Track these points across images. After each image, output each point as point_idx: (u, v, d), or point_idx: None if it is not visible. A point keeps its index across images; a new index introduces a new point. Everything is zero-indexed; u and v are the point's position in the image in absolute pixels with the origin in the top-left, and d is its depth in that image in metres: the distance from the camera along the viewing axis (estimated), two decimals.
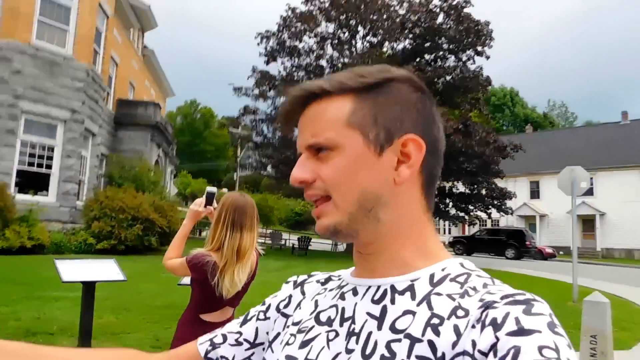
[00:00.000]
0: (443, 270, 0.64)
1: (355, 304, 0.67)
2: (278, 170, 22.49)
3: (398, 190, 0.64)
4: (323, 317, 0.70)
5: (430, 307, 0.60)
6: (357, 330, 0.64)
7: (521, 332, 0.49)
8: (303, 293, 0.78)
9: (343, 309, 0.68)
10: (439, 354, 0.55)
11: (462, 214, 22.60)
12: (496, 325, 0.51)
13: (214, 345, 0.78)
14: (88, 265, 5.32)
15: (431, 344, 0.56)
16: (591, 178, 31.64)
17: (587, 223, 31.53)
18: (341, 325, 0.66)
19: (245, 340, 0.78)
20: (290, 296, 0.79)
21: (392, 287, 0.64)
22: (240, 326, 0.79)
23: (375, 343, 0.61)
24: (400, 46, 20.89)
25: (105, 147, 18.37)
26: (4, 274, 8.84)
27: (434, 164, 0.67)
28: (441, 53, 21.37)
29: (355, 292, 0.68)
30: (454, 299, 0.59)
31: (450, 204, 22.27)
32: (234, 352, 0.78)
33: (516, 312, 0.52)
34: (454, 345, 0.55)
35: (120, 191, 14.07)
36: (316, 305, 0.73)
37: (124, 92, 22.17)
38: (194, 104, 69.55)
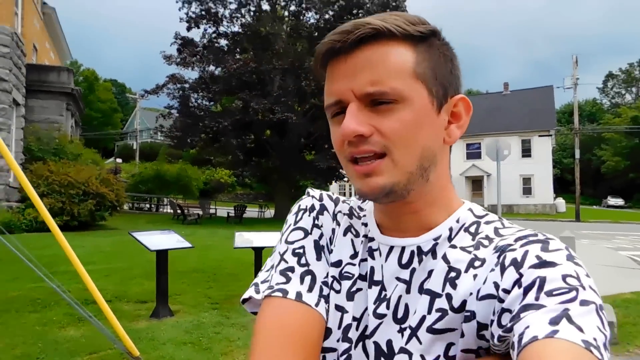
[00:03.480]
0: (457, 222, 0.64)
1: (382, 266, 0.65)
2: (199, 140, 22.39)
3: (443, 150, 0.63)
4: (362, 271, 0.67)
5: (446, 261, 0.60)
6: (388, 296, 0.63)
7: (544, 264, 0.51)
8: (338, 224, 0.72)
9: (372, 269, 0.66)
10: (455, 304, 0.57)
11: None
12: (517, 264, 0.53)
13: None
14: (157, 237, 5.81)
15: (448, 297, 0.58)
16: (480, 143, 36.05)
17: (476, 183, 35.91)
18: (370, 287, 0.65)
19: None
20: (333, 231, 0.72)
21: (419, 249, 0.63)
22: None
23: (406, 306, 0.61)
24: (326, 16, 21.61)
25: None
26: None
27: None
28: None
29: (380, 253, 0.66)
30: (469, 252, 0.60)
31: None
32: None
33: (535, 250, 0.53)
34: (472, 292, 0.56)
35: (65, 165, 13.42)
36: (354, 250, 0.69)
37: (27, 56, 20.13)
38: (75, 64, 63.36)
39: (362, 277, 0.67)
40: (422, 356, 0.57)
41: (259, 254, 6.40)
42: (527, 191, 35.83)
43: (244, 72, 19.19)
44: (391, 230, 0.66)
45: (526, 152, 35.50)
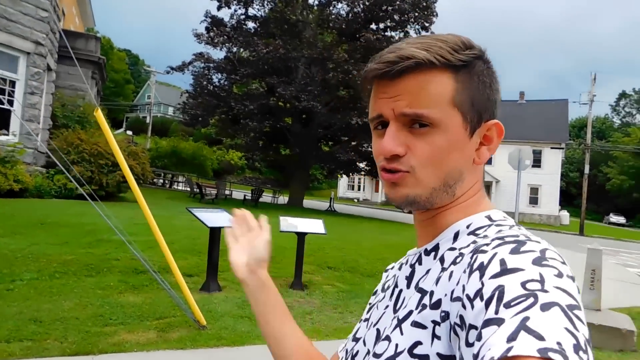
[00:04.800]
0: (468, 226, 0.66)
1: (402, 271, 0.74)
2: (219, 120, 22.67)
3: (474, 169, 0.68)
4: (386, 286, 0.78)
5: (442, 262, 0.64)
6: (396, 292, 0.71)
7: (504, 272, 0.50)
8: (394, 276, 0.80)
9: (396, 277, 0.74)
10: (433, 300, 0.59)
11: None
12: (482, 269, 0.52)
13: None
14: (210, 214, 6.05)
15: (431, 294, 0.60)
16: None
17: (484, 189, 36.16)
18: (392, 292, 0.73)
19: None
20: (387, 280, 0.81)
21: (425, 250, 0.69)
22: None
23: (403, 300, 0.67)
24: (355, 10, 21.60)
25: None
26: (36, 217, 8.67)
27: None
28: (390, 23, 22.58)
29: (406, 262, 0.74)
30: (459, 250, 0.63)
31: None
32: None
33: (502, 253, 0.52)
34: (447, 291, 0.58)
35: (94, 134, 13.60)
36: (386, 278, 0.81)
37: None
38: (92, 31, 63.07)
39: (384, 290, 0.77)
40: (396, 345, 0.60)
41: (302, 239, 6.57)
42: (533, 201, 36.08)
43: (272, 57, 19.31)
44: (421, 238, 0.72)
45: (536, 162, 35.64)
